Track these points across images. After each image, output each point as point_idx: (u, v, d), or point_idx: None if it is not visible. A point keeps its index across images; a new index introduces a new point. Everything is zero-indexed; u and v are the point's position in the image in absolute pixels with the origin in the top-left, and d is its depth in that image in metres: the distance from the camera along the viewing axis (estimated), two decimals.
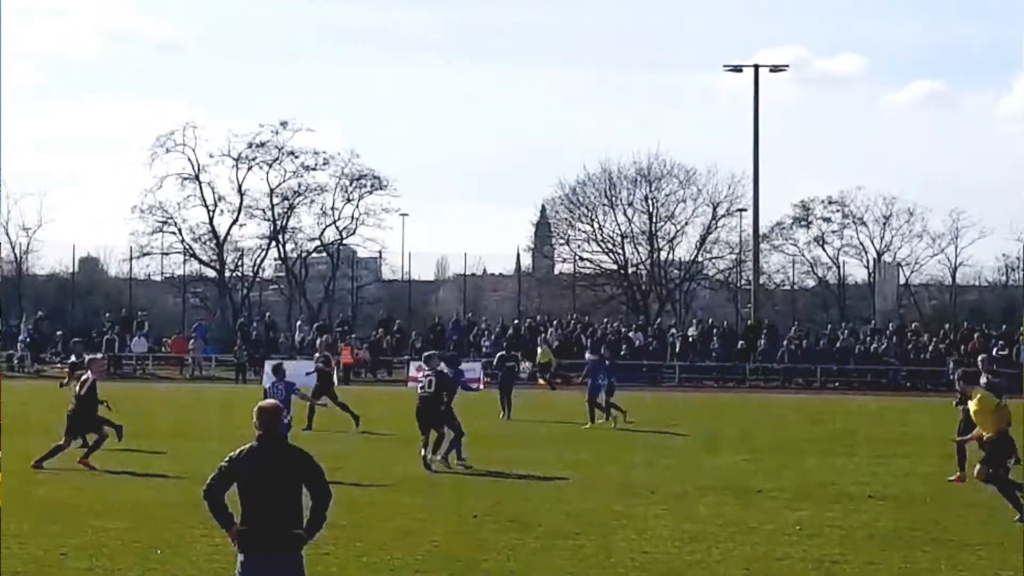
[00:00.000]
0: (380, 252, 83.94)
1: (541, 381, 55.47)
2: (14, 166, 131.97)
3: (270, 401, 11.11)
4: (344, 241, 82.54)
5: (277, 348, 68.82)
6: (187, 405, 35.52)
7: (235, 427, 33.20)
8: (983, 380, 22.85)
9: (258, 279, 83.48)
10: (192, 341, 68.26)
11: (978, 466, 20.93)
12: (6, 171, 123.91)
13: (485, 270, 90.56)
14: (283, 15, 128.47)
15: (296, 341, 70.45)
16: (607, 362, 39.30)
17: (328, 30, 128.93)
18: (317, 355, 39.31)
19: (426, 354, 28.85)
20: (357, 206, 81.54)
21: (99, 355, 29.71)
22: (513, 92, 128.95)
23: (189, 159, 79.87)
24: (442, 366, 27.79)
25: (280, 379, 27.78)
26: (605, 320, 72.49)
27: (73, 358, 30.25)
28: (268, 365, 59.54)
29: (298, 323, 73.50)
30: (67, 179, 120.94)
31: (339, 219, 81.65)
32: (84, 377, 26.64)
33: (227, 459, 10.89)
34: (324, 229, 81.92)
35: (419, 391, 27.01)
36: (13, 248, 79.94)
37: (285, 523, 10.63)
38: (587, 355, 43.84)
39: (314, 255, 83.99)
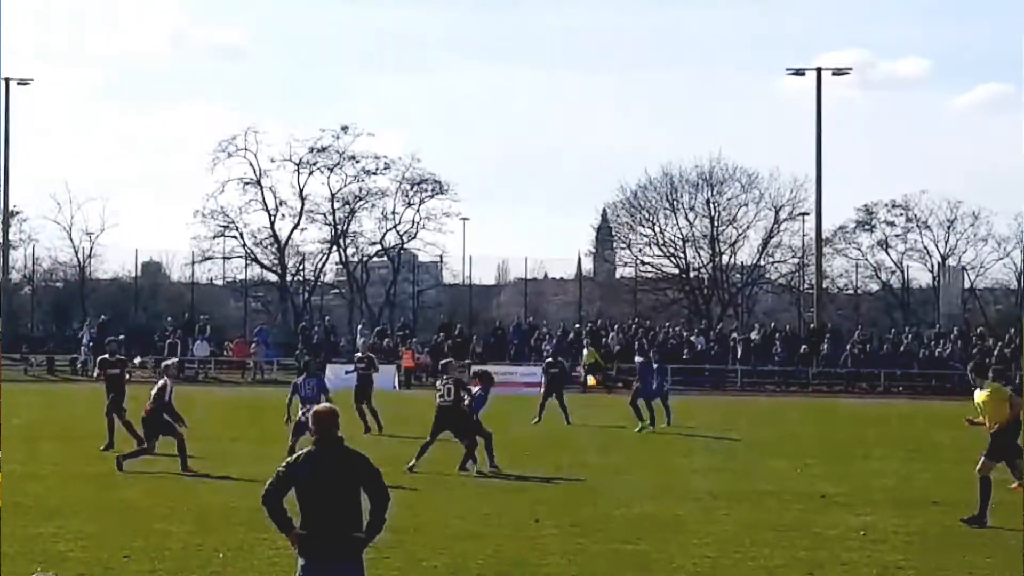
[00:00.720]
0: (441, 256, 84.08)
1: (592, 381, 55.35)
2: (78, 171, 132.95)
3: (326, 405, 11.09)
4: (405, 245, 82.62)
5: (338, 352, 68.93)
6: (249, 408, 35.63)
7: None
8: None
9: (319, 283, 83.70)
10: (254, 345, 68.50)
11: (981, 459, 20.78)
12: (71, 177, 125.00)
13: (546, 274, 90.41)
14: (344, 20, 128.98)
15: (357, 345, 70.47)
16: (655, 364, 39.14)
17: (389, 35, 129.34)
18: (359, 355, 38.86)
19: (443, 362, 28.89)
20: (418, 210, 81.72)
21: (172, 360, 29.82)
22: (574, 96, 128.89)
23: (251, 164, 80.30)
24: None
25: (312, 377, 27.67)
26: (666, 324, 72.28)
27: (107, 356, 30.39)
28: (329, 368, 59.76)
29: (359, 327, 73.56)
30: (130, 184, 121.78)
31: (400, 223, 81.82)
32: (161, 382, 26.78)
33: (285, 464, 10.88)
34: (385, 233, 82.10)
35: (438, 400, 26.93)
36: (77, 252, 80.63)
37: (344, 527, 10.60)
38: (636, 358, 43.67)
39: (375, 259, 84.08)
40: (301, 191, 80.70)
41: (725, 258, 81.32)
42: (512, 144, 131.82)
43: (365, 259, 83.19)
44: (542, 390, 41.34)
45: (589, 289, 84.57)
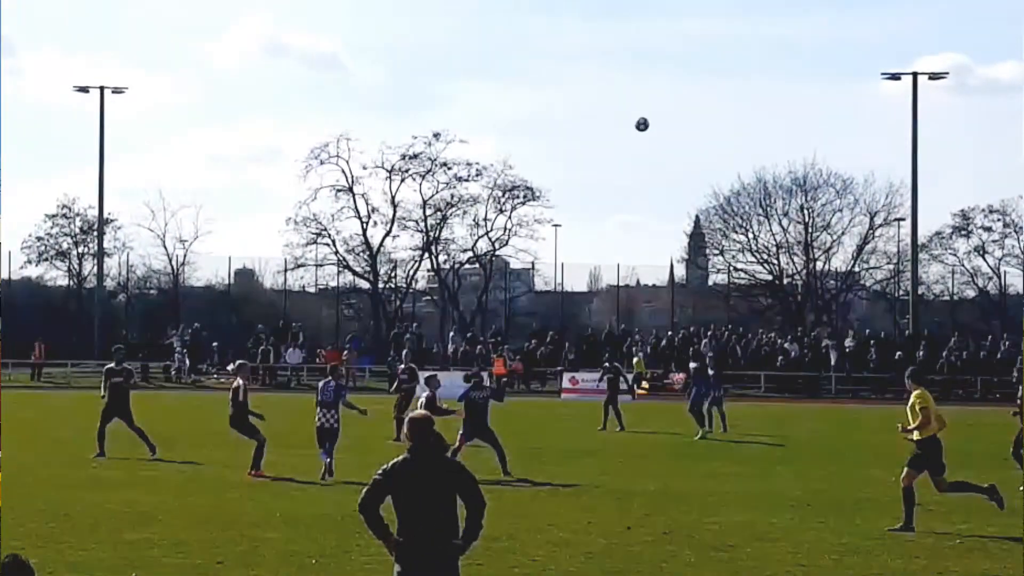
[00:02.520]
0: (533, 263, 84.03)
1: (639, 390, 55.27)
2: (172, 179, 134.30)
3: (421, 412, 11.05)
4: (497, 252, 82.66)
5: (430, 359, 69.16)
6: (341, 416, 35.67)
7: (388, 437, 33.51)
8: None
9: (411, 290, 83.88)
10: (346, 352, 68.80)
11: (905, 469, 20.85)
12: (165, 185, 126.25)
13: (638, 280, 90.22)
14: (437, 27, 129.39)
15: (449, 352, 70.71)
16: (711, 371, 38.95)
17: (482, 41, 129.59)
18: (402, 367, 38.51)
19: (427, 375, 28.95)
20: (510, 217, 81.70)
21: (244, 360, 30.01)
22: (666, 102, 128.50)
23: (343, 171, 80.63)
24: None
25: (336, 380, 27.34)
26: (760, 331, 71.88)
27: (113, 365, 30.55)
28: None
29: (450, 334, 73.76)
30: (224, 191, 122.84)
31: (492, 230, 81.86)
32: (235, 383, 26.97)
33: (381, 471, 10.87)
34: (477, 240, 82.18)
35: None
36: (170, 260, 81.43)
37: (440, 534, 10.59)
38: (691, 364, 43.44)
39: (466, 266, 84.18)
40: (393, 198, 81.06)
41: (819, 264, 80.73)
42: (604, 150, 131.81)
43: (457, 266, 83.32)
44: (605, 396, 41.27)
45: (682, 296, 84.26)
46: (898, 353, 65.82)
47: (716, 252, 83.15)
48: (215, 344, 70.79)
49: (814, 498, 23.93)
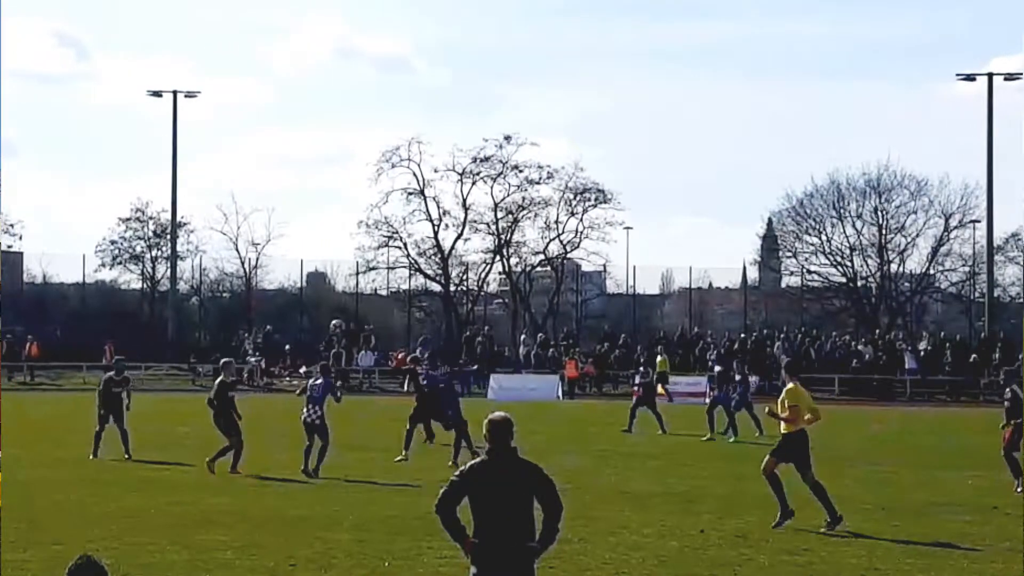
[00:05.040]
0: (604, 266, 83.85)
1: (661, 391, 54.93)
2: (244, 182, 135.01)
3: (500, 414, 10.95)
4: (568, 255, 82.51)
5: (501, 362, 69.15)
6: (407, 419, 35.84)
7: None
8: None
9: (482, 293, 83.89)
10: (416, 354, 68.78)
11: (767, 457, 20.98)
12: (237, 188, 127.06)
13: (711, 283, 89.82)
14: (507, 29, 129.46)
15: (520, 355, 70.65)
16: (736, 375, 38.81)
17: (552, 44, 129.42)
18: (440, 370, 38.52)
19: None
20: (581, 220, 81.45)
21: (230, 360, 30.60)
22: (739, 104, 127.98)
23: (414, 174, 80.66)
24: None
25: (325, 377, 27.86)
26: (833, 334, 71.40)
27: (114, 374, 31.38)
28: (493, 378, 59.96)
29: (522, 337, 73.72)
30: (295, 194, 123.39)
31: (563, 233, 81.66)
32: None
33: (458, 473, 10.83)
34: (548, 243, 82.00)
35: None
36: (243, 263, 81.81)
37: (517, 536, 10.53)
38: (715, 367, 43.21)
39: (538, 269, 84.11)
40: (464, 201, 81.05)
41: (893, 267, 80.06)
42: (676, 152, 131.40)
43: (528, 269, 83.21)
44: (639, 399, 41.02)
45: (755, 298, 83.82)
46: (973, 356, 65.20)
47: (789, 254, 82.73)
48: (287, 347, 71.07)
49: (888, 501, 23.70)
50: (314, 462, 26.70)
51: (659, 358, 59.66)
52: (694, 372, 63.18)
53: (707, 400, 39.18)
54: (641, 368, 43.22)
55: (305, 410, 27.19)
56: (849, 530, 20.29)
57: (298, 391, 28.12)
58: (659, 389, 53.85)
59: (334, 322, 67.59)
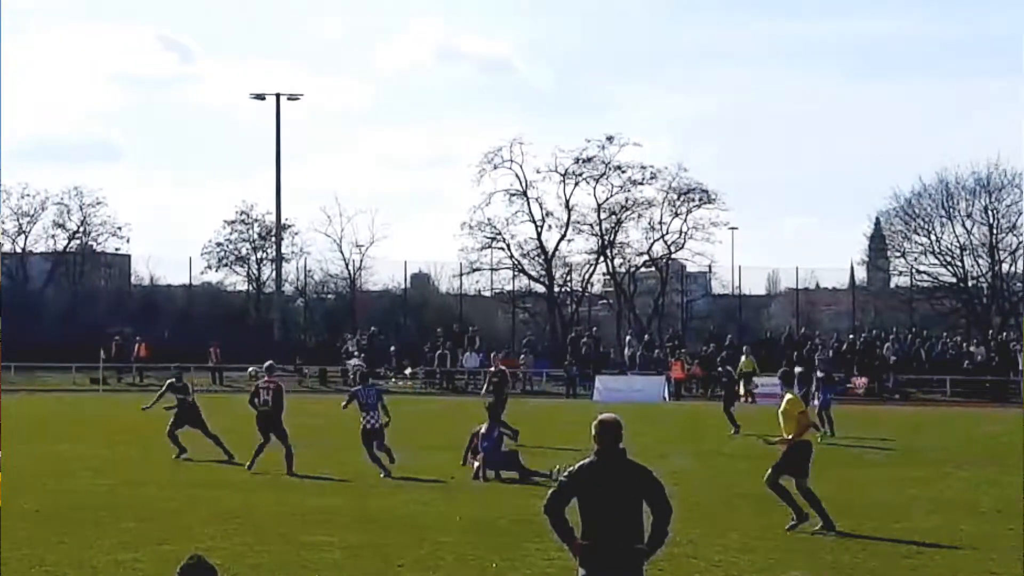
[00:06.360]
0: (709, 266, 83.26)
1: (741, 391, 54.18)
2: (347, 184, 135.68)
3: (609, 415, 10.80)
4: (673, 256, 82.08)
5: (606, 363, 68.88)
6: (517, 420, 35.82)
7: (567, 441, 33.30)
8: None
9: (587, 294, 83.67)
10: (522, 356, 68.82)
11: (769, 471, 20.68)
12: (341, 190, 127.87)
13: (818, 283, 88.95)
14: (609, 29, 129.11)
15: (625, 356, 70.38)
16: (820, 375, 38.27)
17: (654, 43, 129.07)
18: (491, 370, 38.35)
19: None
20: (685, 220, 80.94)
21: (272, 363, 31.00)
22: (845, 102, 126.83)
23: (516, 175, 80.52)
24: None
25: (369, 385, 28.32)
26: (944, 334, 70.47)
27: (174, 380, 31.97)
28: (599, 380, 59.73)
29: (627, 338, 73.40)
30: (398, 196, 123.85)
31: (667, 233, 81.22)
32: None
33: (567, 474, 10.73)
34: (652, 244, 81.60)
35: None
36: (347, 265, 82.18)
37: (626, 538, 10.41)
38: (795, 368, 42.70)
39: (642, 270, 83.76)
40: (567, 202, 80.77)
41: (1005, 266, 78.86)
42: (781, 152, 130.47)
43: (632, 269, 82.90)
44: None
45: (863, 299, 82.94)
46: None
47: (898, 254, 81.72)
48: (392, 348, 71.31)
49: (1005, 505, 23.20)
50: (386, 461, 27.06)
51: (744, 359, 59.07)
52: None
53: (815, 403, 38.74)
54: (719, 369, 42.88)
55: (364, 417, 27.41)
56: (963, 533, 19.93)
57: (344, 404, 28.30)
58: (740, 390, 53.49)
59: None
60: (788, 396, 21.13)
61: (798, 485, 20.53)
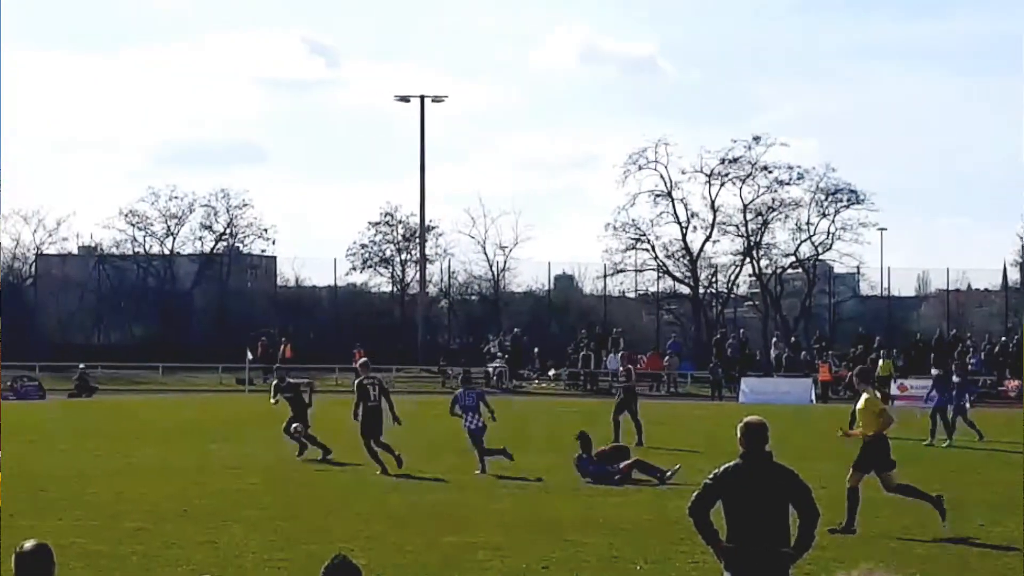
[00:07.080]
0: (858, 267, 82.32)
1: (877, 395, 53.04)
2: (491, 186, 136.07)
3: (755, 418, 10.68)
4: (820, 257, 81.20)
5: (751, 365, 68.35)
6: (661, 422, 35.66)
7: (715, 443, 33.02)
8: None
9: (732, 295, 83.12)
10: (667, 358, 68.52)
11: (851, 472, 20.55)
12: (484, 191, 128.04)
13: (969, 285, 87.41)
14: (755, 29, 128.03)
15: (772, 358, 69.79)
16: (955, 379, 37.86)
17: (802, 43, 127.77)
18: (620, 369, 38.58)
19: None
20: (833, 221, 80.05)
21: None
22: (998, 102, 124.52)
23: (661, 176, 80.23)
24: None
25: (470, 387, 29.24)
26: None
27: (278, 381, 33.20)
28: (744, 382, 59.22)
29: (773, 340, 72.77)
30: (543, 197, 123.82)
31: (814, 234, 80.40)
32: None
33: (712, 476, 10.63)
34: (799, 244, 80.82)
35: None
36: (491, 266, 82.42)
37: (772, 541, 10.30)
38: (933, 371, 41.95)
39: (789, 271, 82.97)
40: (713, 203, 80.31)
41: None
42: (932, 152, 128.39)
43: (779, 271, 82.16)
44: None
45: (1016, 300, 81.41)
46: None
47: None
48: (536, 349, 71.38)
49: None
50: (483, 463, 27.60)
51: (881, 361, 58.24)
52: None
53: (927, 404, 38.27)
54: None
55: (467, 419, 27.99)
56: None
57: (450, 409, 28.67)
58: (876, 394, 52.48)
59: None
60: (865, 395, 21.13)
61: (884, 481, 20.52)
